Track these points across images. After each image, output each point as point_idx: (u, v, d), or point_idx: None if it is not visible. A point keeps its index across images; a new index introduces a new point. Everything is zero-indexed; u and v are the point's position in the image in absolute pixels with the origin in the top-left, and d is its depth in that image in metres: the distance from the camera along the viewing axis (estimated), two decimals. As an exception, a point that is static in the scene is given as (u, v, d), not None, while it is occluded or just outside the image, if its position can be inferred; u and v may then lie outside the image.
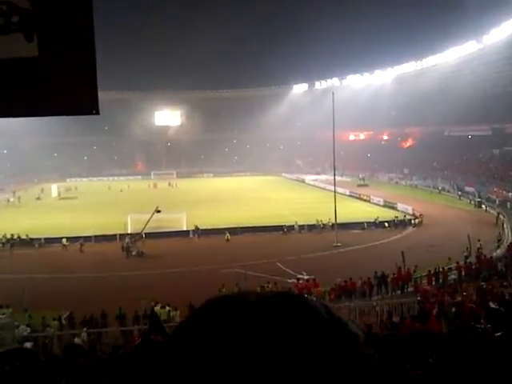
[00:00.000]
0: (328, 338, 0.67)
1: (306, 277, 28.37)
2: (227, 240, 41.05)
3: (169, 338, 0.73)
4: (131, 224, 42.92)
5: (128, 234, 40.51)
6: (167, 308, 23.04)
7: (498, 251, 35.19)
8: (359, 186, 75.74)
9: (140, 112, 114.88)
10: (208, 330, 0.67)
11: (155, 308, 23.30)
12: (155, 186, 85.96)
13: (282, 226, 44.74)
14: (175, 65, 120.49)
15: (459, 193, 63.51)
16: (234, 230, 43.08)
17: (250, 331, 0.65)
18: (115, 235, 41.45)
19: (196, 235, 43.27)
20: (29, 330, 20.02)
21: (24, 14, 2.52)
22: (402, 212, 51.23)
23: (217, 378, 0.63)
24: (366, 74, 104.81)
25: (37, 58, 2.55)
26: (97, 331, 21.39)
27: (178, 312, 22.36)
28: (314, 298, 20.45)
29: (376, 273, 28.35)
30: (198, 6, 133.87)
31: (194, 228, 44.00)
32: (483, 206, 54.49)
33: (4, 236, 41.05)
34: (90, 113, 2.70)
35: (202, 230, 43.55)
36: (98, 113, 2.68)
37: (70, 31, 2.58)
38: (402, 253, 32.00)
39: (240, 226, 44.06)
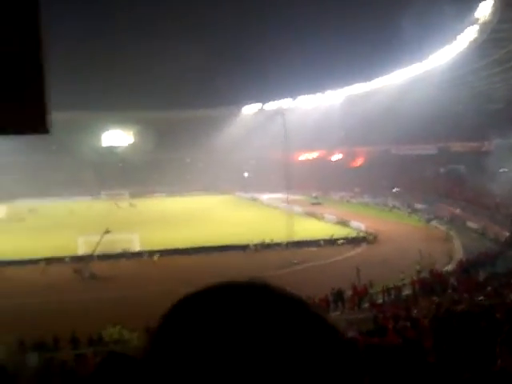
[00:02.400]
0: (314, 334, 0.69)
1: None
2: (154, 262, 40.35)
3: (151, 338, 0.71)
4: (83, 246, 41.83)
5: (79, 256, 39.54)
6: (117, 327, 22.67)
7: (449, 266, 36.27)
8: (313, 204, 76.61)
9: (90, 132, 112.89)
10: (197, 323, 0.67)
11: (111, 329, 22.86)
12: (118, 206, 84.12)
13: (239, 245, 44.60)
14: (127, 85, 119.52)
15: (409, 210, 65.28)
16: (188, 251, 42.67)
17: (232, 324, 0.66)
18: (65, 258, 40.32)
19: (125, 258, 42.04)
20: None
21: None
22: (355, 229, 52.11)
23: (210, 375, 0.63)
24: (317, 95, 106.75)
25: None
26: (48, 355, 20.63)
27: (136, 334, 21.88)
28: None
29: (332, 289, 28.63)
30: (148, 28, 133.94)
31: (121, 250, 42.55)
32: (433, 222, 56.16)
33: None
34: (39, 132, 2.65)
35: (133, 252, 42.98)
36: (47, 132, 2.63)
37: (17, 49, 2.51)
38: (357, 269, 32.56)
39: (196, 245, 43.65)
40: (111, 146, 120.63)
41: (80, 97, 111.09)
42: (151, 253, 42.46)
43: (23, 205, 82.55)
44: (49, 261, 39.64)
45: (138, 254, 42.90)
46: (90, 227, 49.72)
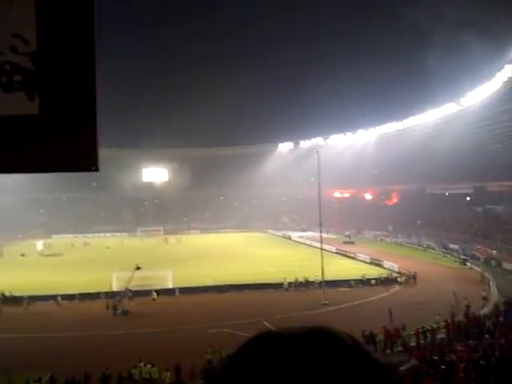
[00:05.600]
0: (357, 367, 0.82)
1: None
2: (153, 299, 40.29)
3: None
4: (116, 282, 42.39)
5: (113, 292, 40.07)
6: (148, 366, 22.97)
7: (485, 309, 35.27)
8: (345, 243, 75.97)
9: (128, 169, 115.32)
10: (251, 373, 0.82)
11: (141, 367, 23.02)
12: (166, 241, 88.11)
13: (270, 283, 44.54)
14: (163, 124, 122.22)
15: (444, 250, 64.03)
16: (220, 288, 42.85)
17: (289, 369, 0.80)
18: (99, 293, 40.94)
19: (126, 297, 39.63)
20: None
21: (26, 74, 2.58)
22: (388, 269, 51.31)
23: None
24: (348, 134, 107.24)
25: (38, 116, 2.60)
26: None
27: (169, 373, 22.13)
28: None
29: (364, 331, 28.15)
30: (184, 69, 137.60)
31: (124, 289, 39.70)
32: (468, 263, 54.89)
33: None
34: (89, 169, 2.68)
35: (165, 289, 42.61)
36: (97, 169, 2.66)
37: (71, 91, 2.61)
38: (390, 310, 31.98)
39: (227, 283, 43.78)
40: (149, 182, 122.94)
41: (118, 134, 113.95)
42: (182, 290, 42.74)
43: (61, 240, 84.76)
44: (83, 296, 40.45)
45: (171, 291, 43.09)
46: (122, 263, 50.40)
